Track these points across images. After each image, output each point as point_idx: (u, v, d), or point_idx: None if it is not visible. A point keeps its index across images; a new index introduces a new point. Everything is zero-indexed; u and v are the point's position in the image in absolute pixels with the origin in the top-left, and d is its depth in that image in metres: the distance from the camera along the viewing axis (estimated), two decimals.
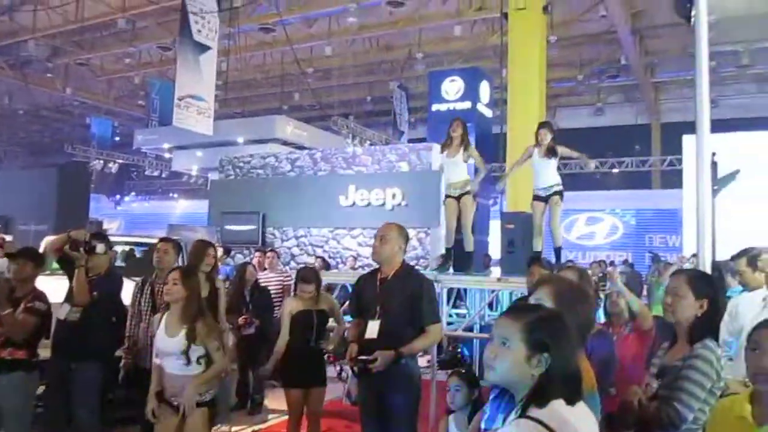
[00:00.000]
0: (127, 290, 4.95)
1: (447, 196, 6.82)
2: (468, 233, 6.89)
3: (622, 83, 21.93)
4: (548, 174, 6.69)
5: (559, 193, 6.70)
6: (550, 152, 6.61)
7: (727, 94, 20.91)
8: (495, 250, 13.46)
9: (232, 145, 19.09)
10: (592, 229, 21.89)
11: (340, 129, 18.95)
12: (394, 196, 12.44)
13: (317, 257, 11.76)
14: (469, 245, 6.93)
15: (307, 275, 4.96)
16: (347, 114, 22.75)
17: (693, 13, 3.89)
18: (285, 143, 19.01)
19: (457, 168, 6.79)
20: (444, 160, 6.81)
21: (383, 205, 12.54)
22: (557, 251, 6.77)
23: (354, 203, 12.83)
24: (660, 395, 2.53)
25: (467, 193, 6.78)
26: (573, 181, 21.43)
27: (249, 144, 18.99)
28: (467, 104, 14.67)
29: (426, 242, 12.03)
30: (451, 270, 10.28)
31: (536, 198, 6.76)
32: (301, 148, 17.99)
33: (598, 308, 4.54)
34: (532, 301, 2.21)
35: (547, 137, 6.62)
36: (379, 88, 23.33)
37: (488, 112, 15.30)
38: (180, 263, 5.95)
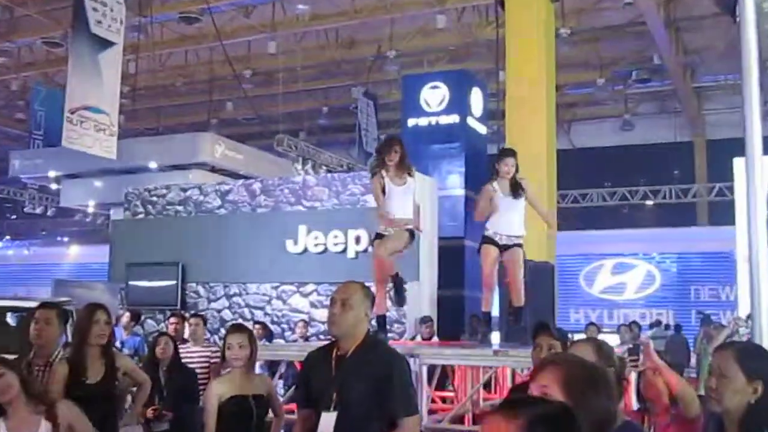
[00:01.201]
0: None
1: (378, 235, 6.98)
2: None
3: (656, 89, 22.36)
4: (514, 218, 7.06)
5: (522, 247, 7.15)
6: (516, 189, 6.95)
7: None
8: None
9: (142, 172, 18.99)
10: (622, 279, 21.97)
11: (287, 151, 18.87)
12: (358, 239, 12.34)
13: (256, 323, 11.69)
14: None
15: (237, 325, 5.05)
16: (297, 131, 22.82)
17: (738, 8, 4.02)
18: (213, 169, 18.96)
19: (406, 199, 6.96)
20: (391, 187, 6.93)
21: (344, 251, 12.49)
22: (517, 312, 7.25)
23: (305, 250, 12.79)
24: None
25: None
26: (595, 216, 21.90)
27: (165, 171, 18.86)
28: (454, 118, 14.39)
29: None
30: (435, 338, 10.50)
31: (489, 241, 7.11)
32: (234, 176, 17.90)
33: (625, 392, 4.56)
34: (533, 389, 2.20)
35: (511, 170, 6.98)
36: (339, 96, 23.46)
37: (481, 128, 15.20)
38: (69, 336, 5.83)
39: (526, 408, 1.82)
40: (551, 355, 3.46)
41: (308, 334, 11.94)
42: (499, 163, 7.07)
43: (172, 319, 8.52)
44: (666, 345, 15.46)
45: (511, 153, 7.24)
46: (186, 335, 8.24)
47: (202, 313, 12.26)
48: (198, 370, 7.58)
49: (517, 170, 7.03)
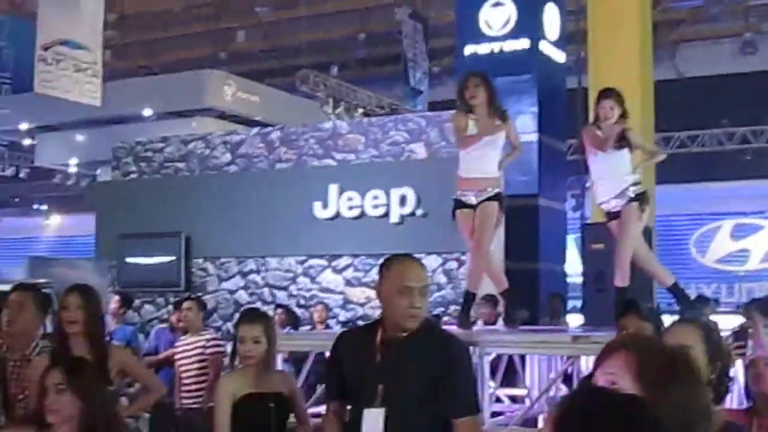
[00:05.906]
0: None
1: (458, 204, 7.26)
2: (484, 258, 7.38)
3: None
4: (619, 171, 7.13)
5: (641, 198, 7.12)
6: (621, 138, 7.08)
7: None
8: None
9: (134, 121, 19.30)
10: (743, 245, 21.83)
11: (314, 90, 18.89)
12: (403, 200, 12.41)
13: (279, 307, 11.91)
14: (501, 281, 7.65)
15: (250, 313, 5.21)
16: (326, 65, 22.61)
17: None
18: (222, 116, 19.10)
19: (485, 157, 7.27)
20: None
21: (386, 215, 12.51)
22: (675, 292, 7.25)
23: (337, 214, 12.82)
24: None
25: (495, 197, 7.18)
26: (708, 165, 21.18)
27: (163, 119, 19.11)
28: (523, 43, 14.08)
29: (458, 276, 11.93)
30: (501, 322, 9.98)
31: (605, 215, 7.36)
32: (248, 123, 17.90)
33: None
34: (599, 378, 2.23)
35: (614, 112, 7.11)
36: (379, 19, 23.36)
37: (559, 56, 14.82)
38: (49, 326, 6.10)
39: (591, 402, 1.86)
40: (622, 336, 3.60)
41: (343, 319, 12.06)
42: (598, 106, 7.28)
43: (187, 303, 8.70)
44: None
45: (607, 94, 7.32)
46: (184, 323, 8.63)
47: (213, 293, 13.29)
48: (188, 366, 8.04)
49: (624, 116, 7.17)
